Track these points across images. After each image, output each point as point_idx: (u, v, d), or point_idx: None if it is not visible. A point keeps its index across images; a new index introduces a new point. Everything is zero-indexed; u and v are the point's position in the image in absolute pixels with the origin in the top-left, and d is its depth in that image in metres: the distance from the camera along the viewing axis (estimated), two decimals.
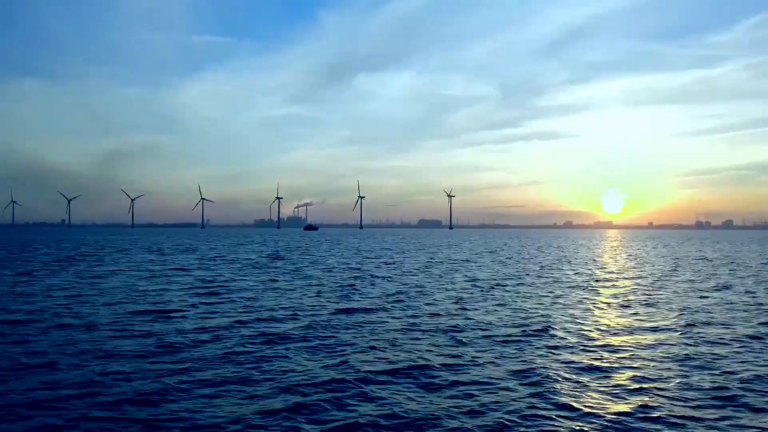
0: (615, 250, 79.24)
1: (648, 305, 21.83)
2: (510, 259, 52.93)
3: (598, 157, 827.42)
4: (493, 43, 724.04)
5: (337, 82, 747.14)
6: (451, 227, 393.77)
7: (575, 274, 36.68)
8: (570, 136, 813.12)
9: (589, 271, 38.82)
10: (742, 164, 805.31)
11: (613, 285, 29.72)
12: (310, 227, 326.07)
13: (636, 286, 28.89)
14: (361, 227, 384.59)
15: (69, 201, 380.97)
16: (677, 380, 11.17)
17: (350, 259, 50.07)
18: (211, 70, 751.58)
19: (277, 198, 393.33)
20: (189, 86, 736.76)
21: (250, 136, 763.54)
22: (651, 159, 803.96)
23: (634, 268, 42.86)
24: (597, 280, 32.25)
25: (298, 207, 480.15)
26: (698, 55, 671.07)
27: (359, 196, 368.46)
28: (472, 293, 25.18)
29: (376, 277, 33.15)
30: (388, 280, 30.86)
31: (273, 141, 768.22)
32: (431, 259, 51.92)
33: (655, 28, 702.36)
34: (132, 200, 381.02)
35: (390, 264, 44.34)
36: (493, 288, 27.43)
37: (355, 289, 26.27)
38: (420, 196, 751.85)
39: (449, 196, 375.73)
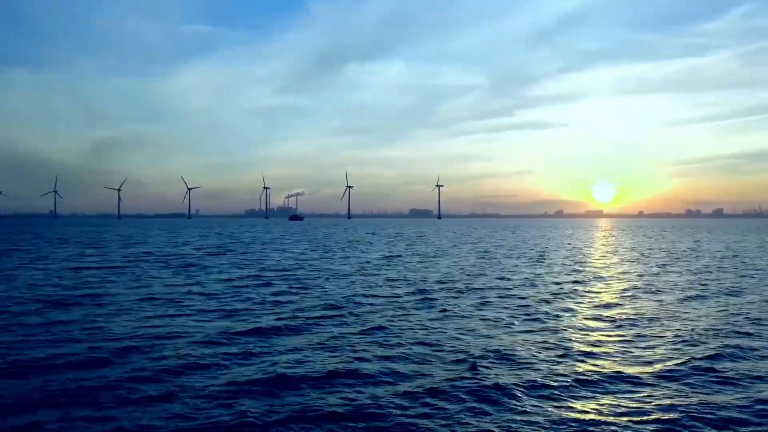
0: (586, 242, 76.00)
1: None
2: (469, 254, 49.58)
3: (589, 146, 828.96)
4: (484, 31, 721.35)
5: (327, 72, 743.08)
6: (439, 217, 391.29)
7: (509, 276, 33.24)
8: (561, 125, 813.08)
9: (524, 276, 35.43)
10: (733, 153, 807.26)
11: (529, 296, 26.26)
12: (296, 217, 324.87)
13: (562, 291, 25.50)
14: (349, 217, 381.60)
15: (55, 192, 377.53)
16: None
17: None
18: (201, 60, 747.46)
19: (265, 188, 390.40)
20: (179, 76, 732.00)
21: (241, 126, 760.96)
22: (642, 148, 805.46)
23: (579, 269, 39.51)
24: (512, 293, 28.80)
25: (288, 197, 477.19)
26: (688, 43, 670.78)
27: (347, 186, 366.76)
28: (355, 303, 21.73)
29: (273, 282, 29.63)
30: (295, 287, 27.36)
31: (264, 131, 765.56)
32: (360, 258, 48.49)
33: (646, 17, 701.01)
34: (118, 190, 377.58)
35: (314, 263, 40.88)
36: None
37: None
38: (411, 185, 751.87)
39: (438, 185, 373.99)
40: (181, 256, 43.33)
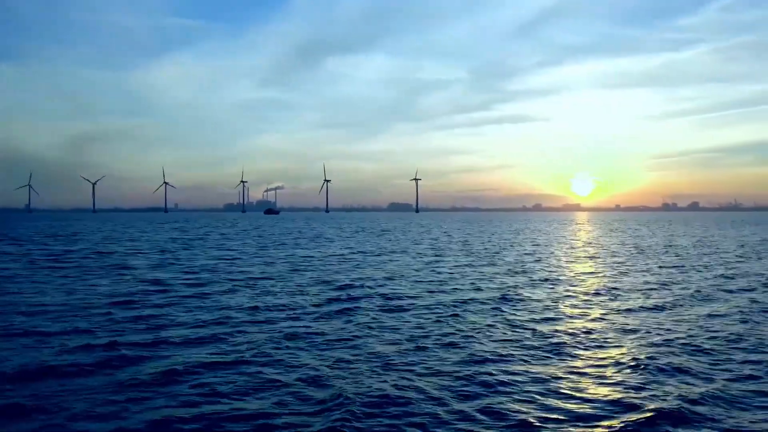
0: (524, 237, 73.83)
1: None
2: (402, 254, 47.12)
3: (568, 140, 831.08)
4: (465, 25, 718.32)
5: (308, 65, 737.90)
6: (417, 210, 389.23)
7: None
8: (541, 119, 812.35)
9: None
10: (710, 147, 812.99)
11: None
12: (271, 211, 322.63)
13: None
14: (327, 211, 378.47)
15: (30, 186, 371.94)
16: None
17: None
18: (182, 53, 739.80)
19: (242, 182, 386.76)
20: (160, 69, 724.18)
21: (221, 120, 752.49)
22: (621, 142, 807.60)
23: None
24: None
25: (267, 191, 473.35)
26: (667, 38, 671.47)
27: (325, 180, 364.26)
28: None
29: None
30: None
31: (245, 124, 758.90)
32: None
33: (625, 11, 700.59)
34: (93, 184, 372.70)
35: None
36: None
37: None
38: (392, 179, 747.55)
39: (416, 179, 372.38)
40: (109, 254, 37.31)
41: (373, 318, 14.62)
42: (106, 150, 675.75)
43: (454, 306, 16.38)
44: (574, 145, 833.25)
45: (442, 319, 14.58)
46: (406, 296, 18.27)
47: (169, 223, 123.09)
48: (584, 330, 13.31)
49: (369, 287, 20.22)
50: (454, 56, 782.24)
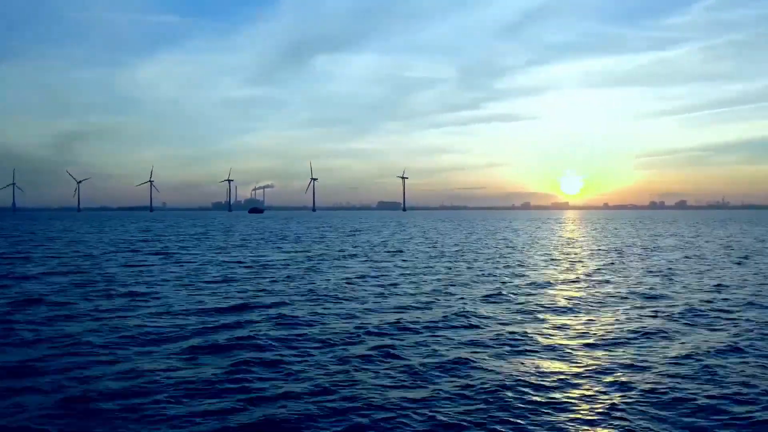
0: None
1: None
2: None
3: (557, 139, 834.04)
4: (453, 23, 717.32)
5: (297, 63, 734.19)
6: (404, 209, 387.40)
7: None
8: (529, 117, 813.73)
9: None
10: (698, 145, 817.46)
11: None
12: (255, 210, 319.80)
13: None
14: (314, 210, 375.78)
15: (14, 184, 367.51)
16: None
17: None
18: (169, 51, 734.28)
19: (228, 181, 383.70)
20: (147, 66, 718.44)
21: (209, 118, 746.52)
22: (609, 140, 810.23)
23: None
24: None
25: (255, 189, 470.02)
26: (655, 37, 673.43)
27: (312, 178, 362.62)
28: None
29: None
30: None
31: (233, 122, 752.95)
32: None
33: (613, 10, 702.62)
34: (78, 183, 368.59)
35: None
36: None
37: None
38: (381, 178, 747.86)
39: (403, 178, 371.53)
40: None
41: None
42: (92, 148, 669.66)
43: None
44: (562, 143, 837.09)
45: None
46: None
47: (133, 224, 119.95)
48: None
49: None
50: (442, 55, 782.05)
